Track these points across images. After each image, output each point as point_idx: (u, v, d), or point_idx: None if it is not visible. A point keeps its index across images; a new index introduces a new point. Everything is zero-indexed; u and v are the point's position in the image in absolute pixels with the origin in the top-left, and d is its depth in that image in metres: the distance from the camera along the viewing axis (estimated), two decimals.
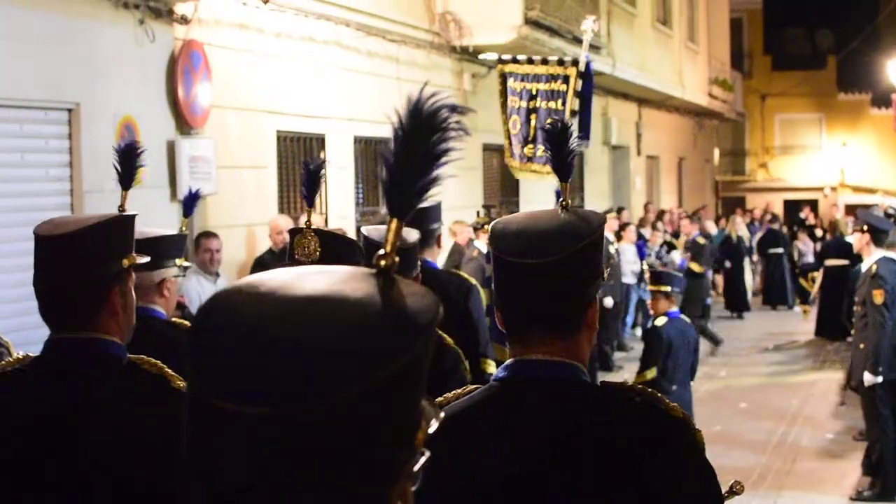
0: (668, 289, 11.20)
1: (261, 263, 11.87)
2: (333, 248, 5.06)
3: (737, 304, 27.98)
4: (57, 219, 3.80)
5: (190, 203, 7.30)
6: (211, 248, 11.41)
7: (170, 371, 3.67)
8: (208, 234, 11.54)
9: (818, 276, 23.60)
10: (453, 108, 1.67)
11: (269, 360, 1.43)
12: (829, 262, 22.98)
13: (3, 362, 3.83)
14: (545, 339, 2.93)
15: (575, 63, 8.15)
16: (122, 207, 3.89)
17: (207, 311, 1.54)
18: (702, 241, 24.30)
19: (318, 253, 4.76)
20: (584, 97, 8.02)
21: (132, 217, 3.87)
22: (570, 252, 2.90)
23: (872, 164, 45.68)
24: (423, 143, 1.66)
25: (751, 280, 28.80)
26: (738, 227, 29.11)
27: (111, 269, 3.68)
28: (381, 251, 1.61)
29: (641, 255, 21.31)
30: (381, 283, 1.56)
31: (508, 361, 2.99)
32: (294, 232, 5.44)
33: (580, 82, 7.99)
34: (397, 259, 1.60)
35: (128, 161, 4.22)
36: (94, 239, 3.63)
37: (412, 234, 6.56)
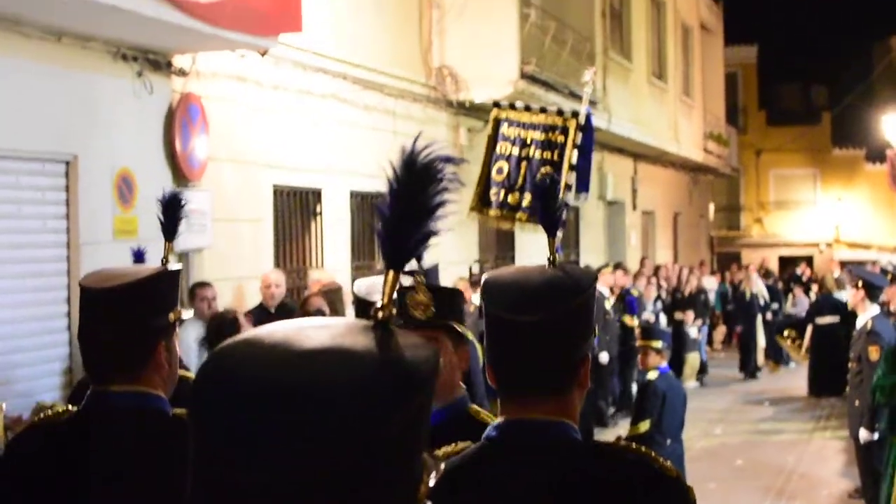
0: (659, 344, 11.22)
1: (217, 320, 11.73)
2: (447, 301, 5.01)
3: (749, 365, 27.13)
4: (103, 271, 3.79)
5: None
6: (207, 297, 11.39)
7: None
8: (203, 284, 11.52)
9: (807, 333, 23.56)
10: (447, 160, 1.68)
11: (272, 424, 1.42)
12: (820, 320, 22.96)
13: (45, 415, 3.82)
14: (536, 397, 2.90)
15: (575, 115, 8.11)
16: (165, 259, 3.88)
17: (209, 369, 1.53)
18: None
19: (432, 308, 4.70)
20: (584, 150, 7.97)
21: (178, 271, 3.87)
22: (563, 310, 2.87)
23: (867, 219, 45.77)
24: (418, 196, 1.67)
25: (763, 340, 27.78)
26: (754, 283, 28.27)
27: (158, 323, 3.67)
28: (378, 304, 1.61)
29: (633, 311, 21.24)
30: (379, 336, 1.56)
31: (499, 420, 2.96)
32: (403, 290, 5.33)
33: (580, 135, 7.94)
34: (394, 311, 1.60)
35: (171, 211, 4.16)
36: (142, 293, 3.62)
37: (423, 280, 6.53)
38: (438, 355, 1.57)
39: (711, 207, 41.38)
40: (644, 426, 11.09)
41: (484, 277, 3.05)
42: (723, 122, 39.08)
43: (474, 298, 14.86)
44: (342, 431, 1.42)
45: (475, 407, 4.63)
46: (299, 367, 1.48)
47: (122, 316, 3.59)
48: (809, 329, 23.31)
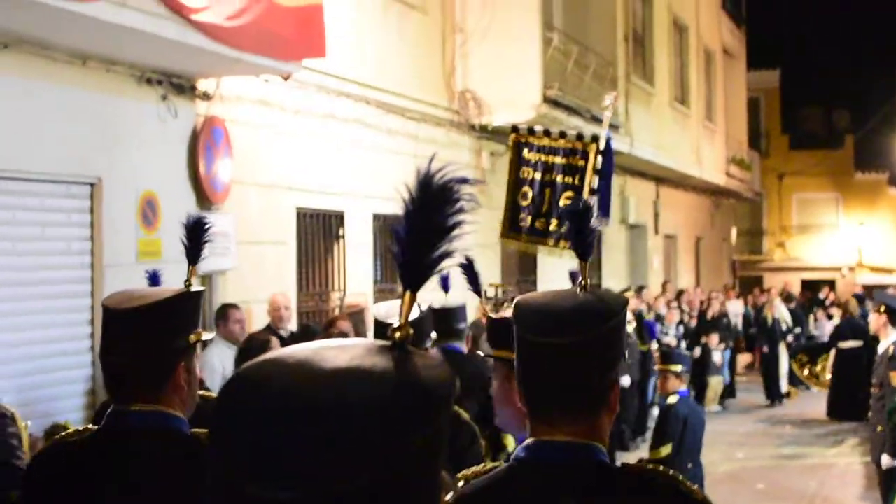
0: (678, 368, 11.21)
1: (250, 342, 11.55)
2: (504, 331, 4.97)
3: (773, 391, 26.86)
4: (126, 291, 3.82)
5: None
6: (241, 319, 11.41)
7: None
8: (233, 306, 11.50)
9: (830, 357, 23.50)
10: (462, 181, 1.70)
11: (293, 439, 1.45)
12: (843, 344, 22.90)
13: (64, 434, 3.85)
14: (566, 419, 2.91)
15: (595, 139, 8.10)
16: (188, 283, 3.86)
17: (232, 386, 1.56)
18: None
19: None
20: (604, 175, 7.97)
21: (200, 293, 3.89)
22: (594, 334, 2.88)
23: (890, 243, 45.66)
24: (434, 217, 1.68)
25: (786, 366, 27.19)
26: (776, 308, 27.85)
27: (179, 345, 3.69)
28: (396, 324, 1.63)
29: (653, 335, 21.25)
30: (396, 357, 1.58)
31: (528, 441, 2.96)
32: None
33: (600, 159, 7.94)
34: (411, 331, 1.62)
35: (195, 234, 4.15)
36: (164, 314, 3.65)
37: (420, 306, 6.59)
38: (455, 376, 1.59)
39: (734, 231, 41.31)
40: (665, 450, 11.08)
41: (516, 301, 3.06)
42: (745, 146, 39.05)
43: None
44: (361, 447, 1.44)
45: None
46: (320, 385, 1.50)
47: (142, 336, 3.62)
48: (832, 353, 23.24)
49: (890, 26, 46.76)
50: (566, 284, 4.31)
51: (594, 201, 7.86)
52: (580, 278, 3.14)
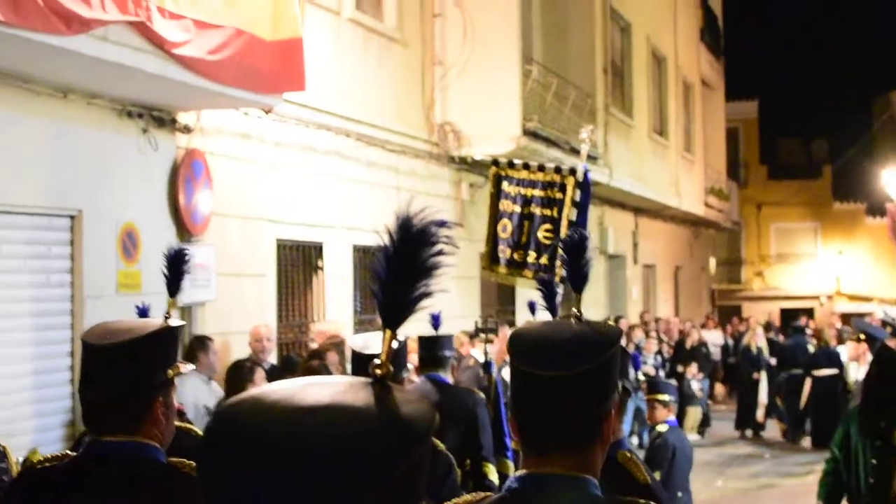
0: (666, 398, 11.22)
1: (238, 368, 11.52)
2: None
3: (746, 420, 26.40)
4: (105, 325, 3.82)
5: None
6: (215, 352, 11.45)
7: None
8: (209, 339, 11.55)
9: (806, 386, 23.53)
10: (441, 224, 1.76)
11: (275, 480, 1.50)
12: (818, 373, 23.00)
13: (44, 458, 3.86)
14: (560, 451, 2.91)
15: (573, 172, 8.16)
16: (167, 314, 3.89)
17: (215, 426, 1.61)
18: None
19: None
20: (581, 207, 8.03)
21: (179, 328, 3.90)
22: (593, 365, 2.89)
23: (868, 272, 45.81)
24: (414, 258, 1.74)
25: (765, 397, 26.56)
26: (759, 338, 27.40)
27: (157, 380, 3.71)
28: (377, 360, 1.69)
29: (636, 366, 21.28)
30: (377, 392, 1.63)
31: (521, 472, 2.95)
32: None
33: (578, 192, 8.00)
34: (391, 368, 1.68)
35: (176, 267, 4.19)
36: (143, 350, 3.66)
37: (397, 338, 6.65)
38: (435, 410, 1.64)
39: (713, 261, 41.41)
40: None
41: (511, 333, 3.07)
42: (724, 177, 39.20)
43: (473, 352, 14.89)
44: (342, 485, 1.49)
45: (626, 454, 4.68)
46: (301, 424, 1.55)
47: (122, 372, 3.63)
48: (808, 382, 23.31)
49: (867, 57, 47.10)
50: (546, 315, 4.35)
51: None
52: (577, 310, 3.16)
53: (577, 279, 3.22)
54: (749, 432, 25.93)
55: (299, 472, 1.50)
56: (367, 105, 15.71)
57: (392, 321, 1.76)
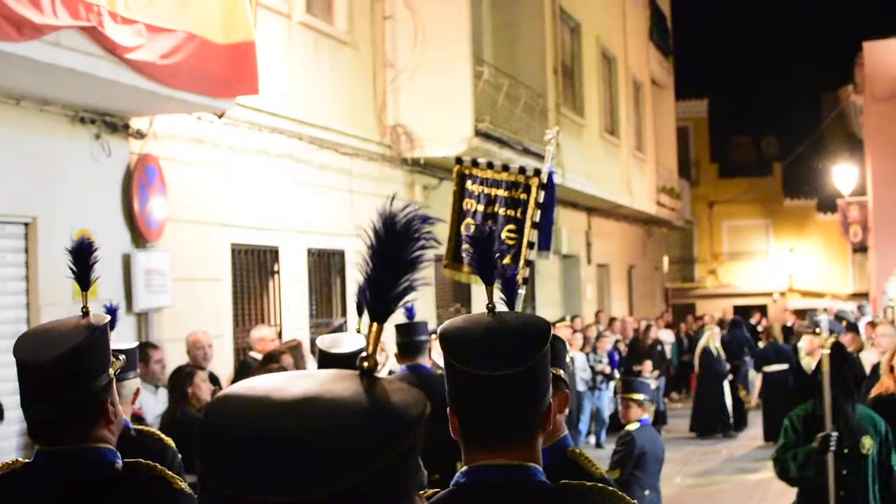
0: (641, 397, 11.23)
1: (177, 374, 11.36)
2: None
3: (711, 424, 25.19)
4: (34, 337, 3.72)
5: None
6: (161, 359, 11.34)
7: (170, 473, 3.68)
8: (155, 346, 11.39)
9: (757, 382, 23.63)
10: (424, 220, 1.81)
11: (271, 468, 1.52)
12: (768, 368, 23.14)
13: None
14: (504, 444, 2.93)
15: (537, 173, 8.15)
16: (85, 309, 3.76)
17: (208, 421, 1.62)
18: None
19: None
20: (546, 208, 8.03)
21: (107, 325, 3.79)
22: (531, 363, 2.91)
23: (820, 268, 46.18)
24: (399, 253, 1.78)
25: (729, 399, 25.40)
26: (716, 337, 26.20)
27: (102, 382, 3.65)
28: (364, 353, 1.71)
29: (614, 364, 21.48)
30: (365, 383, 1.66)
31: (467, 468, 2.97)
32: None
33: (542, 193, 8.00)
34: (378, 361, 1.71)
35: (82, 260, 4.04)
36: (82, 357, 3.59)
37: (360, 342, 6.70)
38: (426, 398, 1.67)
39: (665, 260, 41.60)
40: (613, 475, 11.12)
41: (440, 330, 3.06)
42: (675, 176, 39.38)
43: (434, 356, 14.89)
44: (335, 474, 1.52)
45: (575, 450, 4.69)
46: (292, 416, 1.57)
47: (66, 385, 3.57)
48: (759, 378, 23.44)
49: (815, 55, 47.45)
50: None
51: (535, 235, 7.96)
52: (490, 302, 3.17)
53: (487, 272, 3.23)
54: (718, 434, 24.90)
55: (292, 464, 1.52)
56: (319, 108, 15.70)
57: (379, 315, 1.80)
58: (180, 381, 9.62)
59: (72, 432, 3.60)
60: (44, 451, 3.63)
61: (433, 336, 11.37)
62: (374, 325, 1.79)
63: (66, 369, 3.55)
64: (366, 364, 1.70)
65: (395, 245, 1.79)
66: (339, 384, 1.65)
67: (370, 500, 1.55)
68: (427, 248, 1.83)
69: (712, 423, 25.15)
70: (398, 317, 9.06)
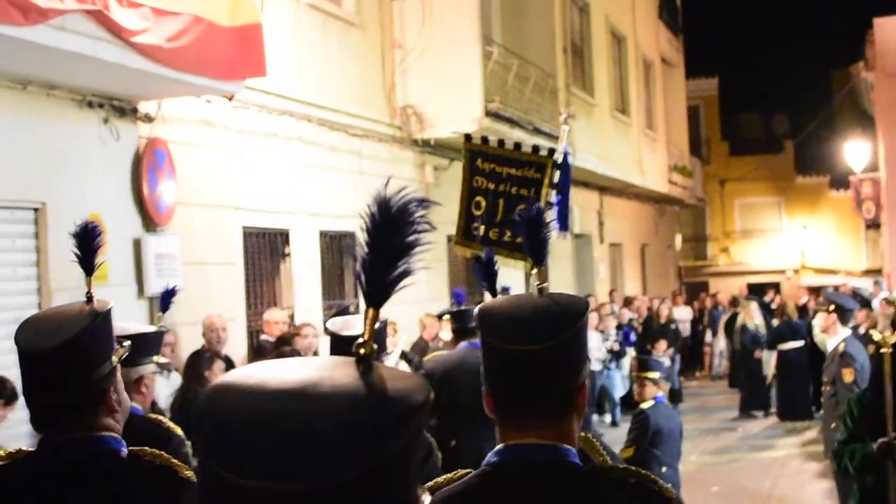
0: (655, 375, 11.20)
1: (196, 357, 11.43)
2: None
3: (754, 401, 24.58)
4: (36, 324, 3.65)
5: (166, 299, 7.28)
6: (171, 343, 11.34)
7: (176, 461, 3.64)
8: (163, 330, 11.35)
9: (772, 360, 23.48)
10: (420, 202, 1.78)
11: (269, 456, 1.50)
12: (783, 346, 23.02)
13: None
14: (536, 423, 2.92)
15: (551, 153, 8.07)
16: (89, 294, 3.73)
17: (206, 409, 1.60)
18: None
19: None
20: (562, 188, 7.95)
21: (111, 311, 3.72)
22: (562, 338, 2.90)
23: (833, 245, 46.07)
24: (394, 237, 1.76)
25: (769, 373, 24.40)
26: (754, 314, 25.72)
27: (104, 370, 3.59)
28: (360, 339, 1.69)
29: (628, 342, 21.48)
30: (362, 370, 1.64)
31: (500, 446, 2.97)
32: None
33: (557, 173, 7.92)
34: (374, 346, 1.68)
35: (86, 244, 3.99)
36: (84, 344, 3.53)
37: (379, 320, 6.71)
38: (427, 387, 1.63)
39: (678, 238, 41.53)
40: (627, 453, 11.11)
41: (479, 308, 3.06)
42: (686, 154, 39.28)
43: (442, 334, 14.87)
44: (335, 463, 1.49)
45: (585, 434, 4.69)
46: (290, 404, 1.55)
47: (68, 374, 3.51)
48: (774, 355, 23.31)
49: (826, 32, 47.30)
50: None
51: (551, 215, 7.88)
52: (542, 284, 3.16)
53: (537, 253, 3.22)
54: (760, 413, 24.33)
55: (286, 453, 1.50)
56: (328, 90, 15.66)
57: (376, 300, 1.77)
58: (199, 364, 9.60)
59: (74, 421, 3.54)
60: (47, 441, 3.58)
61: None
62: (371, 310, 1.77)
63: (67, 357, 3.49)
64: (362, 350, 1.68)
65: (390, 229, 1.77)
66: (337, 372, 1.63)
67: (365, 491, 1.52)
68: (423, 233, 1.80)
69: (756, 401, 24.60)
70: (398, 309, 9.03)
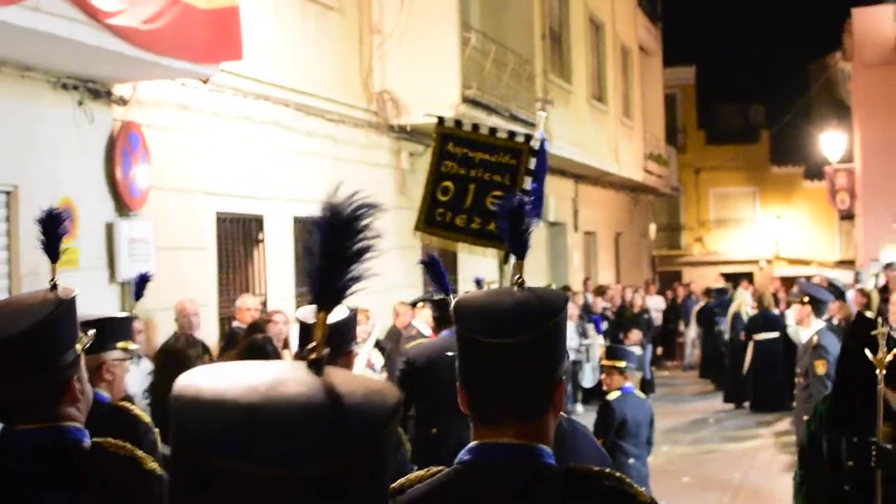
0: (623, 364, 11.14)
1: (167, 351, 11.54)
2: None
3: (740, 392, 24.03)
4: None
5: (140, 286, 7.21)
6: (139, 331, 11.25)
7: (140, 453, 3.58)
8: (134, 317, 11.29)
9: (748, 350, 23.43)
10: (370, 207, 1.77)
11: (225, 476, 1.50)
12: (758, 336, 23.01)
13: None
14: (512, 421, 2.85)
15: (528, 139, 7.96)
16: (53, 282, 3.64)
17: (173, 413, 1.57)
18: None
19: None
20: (537, 175, 7.84)
21: (75, 298, 3.63)
22: (540, 332, 2.84)
23: (807, 235, 46.17)
24: (344, 243, 1.74)
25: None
26: (748, 303, 25.65)
27: (68, 358, 3.52)
28: (311, 344, 1.66)
29: (598, 330, 21.46)
30: (315, 376, 1.61)
31: (473, 444, 2.89)
32: None
33: (533, 160, 7.81)
34: (326, 350, 1.65)
35: (51, 229, 3.93)
36: (47, 332, 3.46)
37: (341, 313, 6.62)
38: (393, 393, 1.61)
39: (652, 227, 41.57)
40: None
41: (456, 301, 3.00)
42: (662, 143, 39.30)
43: (415, 322, 14.80)
44: (291, 477, 1.49)
45: None
46: (245, 423, 1.53)
47: (30, 362, 3.44)
48: (749, 346, 23.28)
49: (803, 22, 47.36)
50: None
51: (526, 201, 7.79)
52: (520, 277, 3.09)
53: (519, 246, 3.14)
54: (747, 403, 23.77)
55: (241, 468, 1.49)
56: (305, 74, 15.57)
57: (325, 304, 1.75)
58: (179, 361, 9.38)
59: (36, 411, 3.47)
60: (7, 432, 3.51)
61: None
62: (322, 313, 1.74)
63: (30, 345, 3.42)
64: (313, 355, 1.64)
65: (341, 235, 1.75)
66: (290, 380, 1.60)
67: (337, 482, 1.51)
68: (374, 238, 1.78)
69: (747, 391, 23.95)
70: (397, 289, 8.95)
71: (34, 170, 10.64)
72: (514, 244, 3.16)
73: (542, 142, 7.85)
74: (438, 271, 5.65)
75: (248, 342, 10.09)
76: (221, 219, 13.83)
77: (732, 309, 25.87)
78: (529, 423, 2.86)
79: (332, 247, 1.75)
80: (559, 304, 2.95)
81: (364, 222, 1.76)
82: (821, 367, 12.05)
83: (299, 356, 1.68)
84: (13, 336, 3.40)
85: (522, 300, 2.94)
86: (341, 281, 1.75)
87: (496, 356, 2.82)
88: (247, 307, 12.88)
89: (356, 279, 1.76)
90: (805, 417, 12.31)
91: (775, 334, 22.51)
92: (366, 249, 1.76)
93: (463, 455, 2.91)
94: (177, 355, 10.18)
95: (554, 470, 2.89)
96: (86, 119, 11.36)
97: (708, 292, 31.01)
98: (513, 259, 7.49)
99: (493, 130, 8.00)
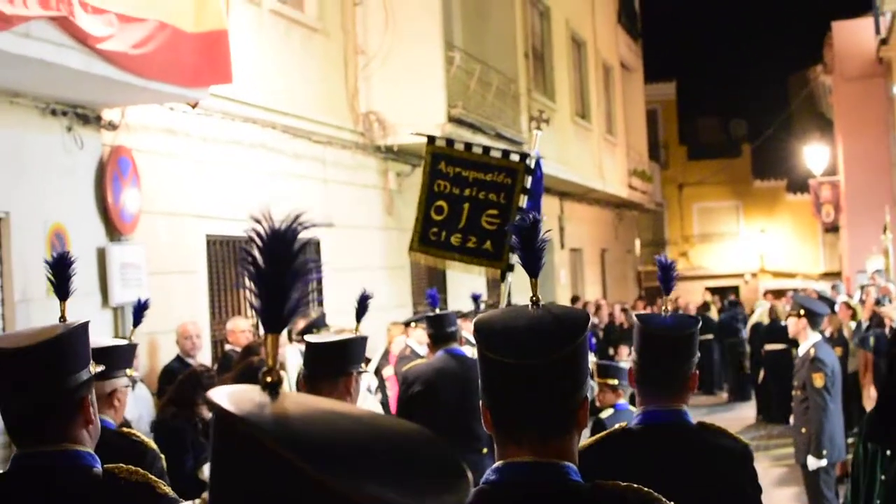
0: (615, 381, 11.09)
1: (170, 371, 11.61)
2: None
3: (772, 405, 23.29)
4: (10, 336, 3.68)
5: (139, 312, 7.19)
6: (138, 355, 11.22)
7: (153, 477, 3.57)
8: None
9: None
10: (305, 228, 1.79)
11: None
12: (769, 347, 22.98)
13: None
14: (537, 440, 2.84)
15: (523, 158, 7.96)
16: (63, 318, 3.77)
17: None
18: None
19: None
20: (533, 194, 7.84)
21: (87, 324, 3.69)
22: (565, 352, 2.84)
23: (791, 248, 46.28)
24: (285, 268, 1.74)
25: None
26: (769, 313, 24.85)
27: (83, 377, 3.54)
28: (266, 367, 1.67)
29: (591, 348, 21.40)
30: (269, 398, 1.62)
31: (499, 464, 2.88)
32: None
33: (529, 178, 7.81)
34: (282, 374, 1.66)
35: (61, 271, 4.11)
36: (63, 347, 3.49)
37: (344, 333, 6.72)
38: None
39: (637, 243, 41.62)
40: None
41: (476, 321, 3.00)
42: (646, 158, 39.38)
43: (409, 342, 14.76)
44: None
45: None
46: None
47: (46, 376, 3.47)
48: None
49: (783, 36, 47.51)
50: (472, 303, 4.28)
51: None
52: (535, 295, 3.10)
53: (533, 264, 3.17)
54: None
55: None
56: (292, 96, 15.55)
57: (273, 326, 1.74)
58: (192, 388, 9.28)
59: (52, 429, 3.47)
60: (21, 456, 3.50)
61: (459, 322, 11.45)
62: (270, 337, 1.73)
63: (47, 358, 3.46)
64: (269, 378, 1.63)
65: (280, 260, 1.74)
66: (245, 397, 1.61)
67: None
68: (312, 263, 1.82)
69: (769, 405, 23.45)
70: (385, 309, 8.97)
71: (24, 196, 10.59)
72: (528, 263, 3.19)
73: (538, 160, 7.85)
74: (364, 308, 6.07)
75: (245, 365, 10.05)
76: (212, 241, 13.79)
77: (753, 319, 25.97)
78: (555, 442, 2.86)
79: (276, 270, 1.73)
80: (581, 323, 2.94)
81: (299, 240, 1.76)
82: (819, 380, 12.04)
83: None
84: (31, 347, 3.44)
85: (543, 319, 2.95)
86: (287, 305, 1.72)
87: (521, 377, 2.83)
88: (239, 329, 12.84)
89: (304, 299, 1.74)
90: (803, 430, 12.35)
91: (785, 346, 22.42)
92: (307, 272, 1.75)
93: (489, 475, 2.90)
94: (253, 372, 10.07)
95: (581, 487, 2.88)
96: (75, 145, 11.32)
97: (705, 307, 31.06)
98: (510, 277, 7.51)
99: (486, 149, 7.99)
